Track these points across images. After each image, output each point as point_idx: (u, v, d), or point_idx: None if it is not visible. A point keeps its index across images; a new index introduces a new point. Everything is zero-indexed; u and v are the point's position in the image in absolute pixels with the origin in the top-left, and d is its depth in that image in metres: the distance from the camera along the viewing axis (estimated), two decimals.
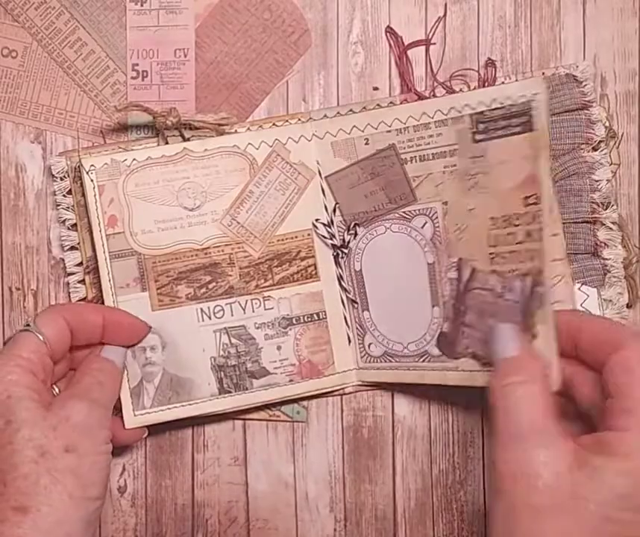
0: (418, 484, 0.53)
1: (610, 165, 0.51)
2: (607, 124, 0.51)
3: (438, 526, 0.53)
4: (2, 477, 0.42)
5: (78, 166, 0.50)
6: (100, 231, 0.50)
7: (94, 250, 0.51)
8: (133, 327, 0.50)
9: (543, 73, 0.51)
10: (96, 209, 0.50)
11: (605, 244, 0.51)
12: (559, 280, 0.49)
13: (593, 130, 0.51)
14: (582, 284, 0.50)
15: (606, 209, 0.51)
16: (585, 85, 0.51)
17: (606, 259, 0.50)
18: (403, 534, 0.53)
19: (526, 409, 0.41)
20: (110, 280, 0.50)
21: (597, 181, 0.50)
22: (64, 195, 0.51)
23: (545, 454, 0.39)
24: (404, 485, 0.53)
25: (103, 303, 0.51)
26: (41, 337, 0.45)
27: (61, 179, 0.51)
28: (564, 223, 0.50)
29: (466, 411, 0.53)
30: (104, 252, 0.50)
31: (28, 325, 0.46)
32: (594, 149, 0.51)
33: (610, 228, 0.51)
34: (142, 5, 0.52)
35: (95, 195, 0.50)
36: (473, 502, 0.53)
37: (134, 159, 0.50)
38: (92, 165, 0.50)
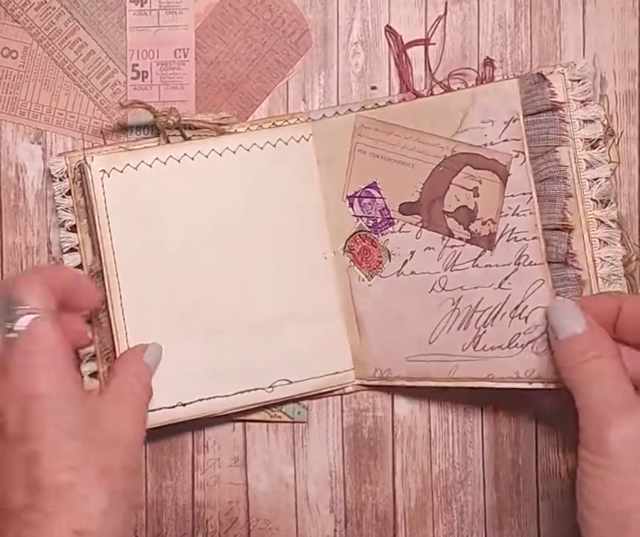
0: (418, 484, 0.53)
1: (609, 162, 0.51)
2: (605, 122, 0.51)
3: (438, 527, 0.53)
4: None
5: (78, 167, 0.50)
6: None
7: (97, 251, 0.50)
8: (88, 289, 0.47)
9: (541, 73, 0.51)
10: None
11: (575, 254, 0.48)
12: (540, 284, 0.47)
13: (567, 130, 0.48)
14: (557, 294, 0.47)
15: (605, 207, 0.50)
16: (584, 83, 0.50)
17: (579, 268, 0.48)
18: (403, 534, 0.53)
19: (608, 382, 0.41)
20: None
21: (595, 179, 0.49)
22: (63, 196, 0.51)
23: (632, 421, 0.39)
24: (404, 485, 0.53)
25: (106, 305, 0.50)
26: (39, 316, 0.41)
27: (60, 180, 0.51)
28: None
29: (466, 411, 0.53)
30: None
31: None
32: (593, 147, 0.50)
33: (609, 226, 0.50)
34: (142, 6, 0.52)
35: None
36: (473, 502, 0.53)
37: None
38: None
